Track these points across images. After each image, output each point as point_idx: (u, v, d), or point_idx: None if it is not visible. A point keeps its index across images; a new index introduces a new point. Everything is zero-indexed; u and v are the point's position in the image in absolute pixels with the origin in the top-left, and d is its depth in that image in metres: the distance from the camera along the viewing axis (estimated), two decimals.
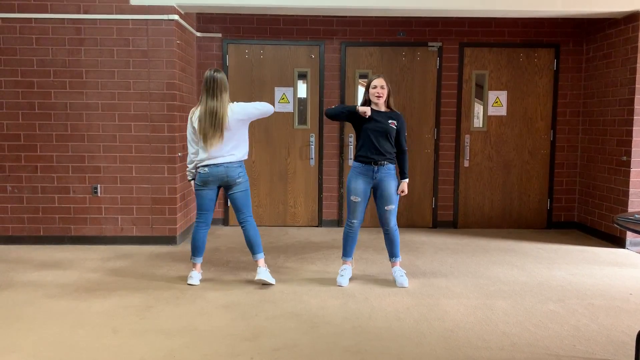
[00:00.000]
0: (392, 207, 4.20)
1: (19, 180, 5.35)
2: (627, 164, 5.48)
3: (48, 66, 5.26)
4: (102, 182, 5.37)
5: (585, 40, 6.34)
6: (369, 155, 4.12)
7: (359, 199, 4.16)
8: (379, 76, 4.17)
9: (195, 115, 4.04)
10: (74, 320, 3.45)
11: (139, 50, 5.27)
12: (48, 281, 4.25)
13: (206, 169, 4.02)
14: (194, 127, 4.03)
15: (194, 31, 6.07)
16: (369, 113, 4.07)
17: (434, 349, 3.08)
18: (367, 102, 4.22)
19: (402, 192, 4.24)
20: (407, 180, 4.27)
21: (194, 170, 4.14)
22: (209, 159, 4.01)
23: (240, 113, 4.05)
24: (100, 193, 5.38)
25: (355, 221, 4.23)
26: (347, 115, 4.16)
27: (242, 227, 4.20)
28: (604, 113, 5.92)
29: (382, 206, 4.19)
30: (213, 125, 3.95)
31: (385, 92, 4.14)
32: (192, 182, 4.19)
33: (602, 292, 4.13)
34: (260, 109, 4.13)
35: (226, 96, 4.03)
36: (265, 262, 4.34)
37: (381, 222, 4.26)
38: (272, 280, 4.15)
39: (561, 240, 5.90)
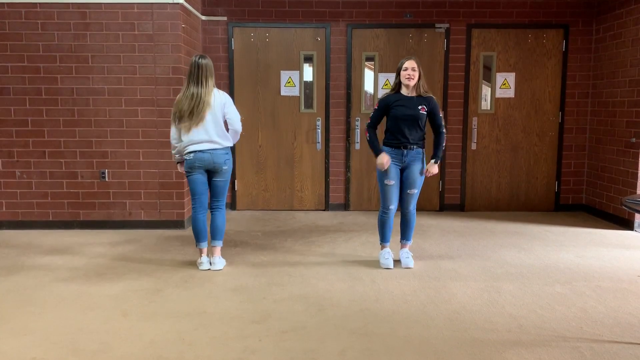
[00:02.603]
0: (415, 191, 4.20)
1: (28, 165, 5.38)
2: (636, 146, 5.43)
3: (54, 51, 5.25)
4: (110, 167, 5.40)
5: (595, 20, 6.25)
6: (398, 139, 4.09)
7: (393, 182, 4.13)
8: (409, 58, 4.04)
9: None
10: (84, 304, 3.49)
11: (144, 35, 5.25)
12: (58, 265, 4.30)
13: (191, 155, 4.01)
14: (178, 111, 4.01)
15: (199, 15, 6.04)
16: (386, 166, 4.06)
17: (440, 331, 3.09)
18: (397, 85, 4.11)
19: (429, 172, 4.21)
20: (436, 161, 4.23)
21: (177, 155, 4.15)
22: (191, 144, 3.99)
23: (223, 100, 4.05)
24: (108, 178, 5.41)
25: (392, 207, 4.20)
26: (380, 117, 4.20)
27: (212, 212, 4.21)
28: (613, 94, 5.86)
29: (406, 189, 4.19)
30: (192, 110, 3.93)
31: (416, 75, 4.01)
32: (179, 165, 4.22)
33: (610, 274, 4.12)
34: (236, 119, 4.11)
35: (211, 82, 4.01)
36: (273, 245, 4.45)
37: (401, 204, 4.26)
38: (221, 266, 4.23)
39: (569, 223, 5.88)
